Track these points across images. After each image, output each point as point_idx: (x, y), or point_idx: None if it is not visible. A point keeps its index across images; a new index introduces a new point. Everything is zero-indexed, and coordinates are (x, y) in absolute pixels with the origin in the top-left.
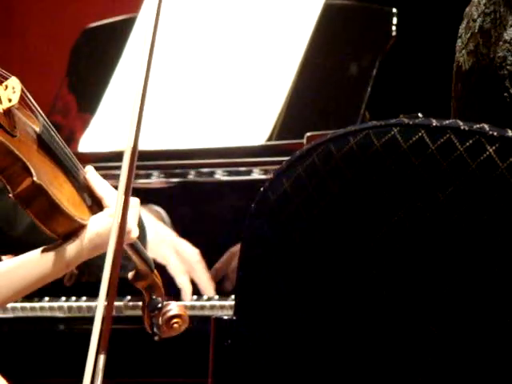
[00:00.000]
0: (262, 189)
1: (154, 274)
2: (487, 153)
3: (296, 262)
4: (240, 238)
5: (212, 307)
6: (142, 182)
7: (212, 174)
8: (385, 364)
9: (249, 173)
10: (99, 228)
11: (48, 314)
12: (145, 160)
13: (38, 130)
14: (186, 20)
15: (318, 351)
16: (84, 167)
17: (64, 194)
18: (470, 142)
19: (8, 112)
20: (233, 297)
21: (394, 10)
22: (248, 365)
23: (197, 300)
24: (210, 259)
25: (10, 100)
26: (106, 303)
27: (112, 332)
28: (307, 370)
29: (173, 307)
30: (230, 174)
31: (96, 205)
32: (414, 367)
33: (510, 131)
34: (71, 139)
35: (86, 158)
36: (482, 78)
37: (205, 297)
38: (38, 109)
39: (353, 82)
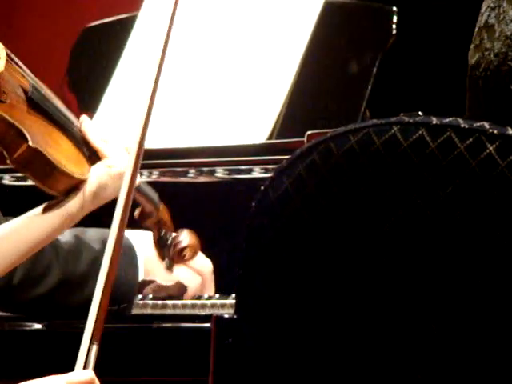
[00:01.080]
0: (262, 187)
1: (160, 210)
2: (487, 151)
3: (296, 261)
4: (240, 237)
5: (213, 306)
6: (141, 181)
7: (212, 172)
8: (385, 361)
9: (249, 171)
10: (98, 179)
11: None
12: (144, 159)
13: (27, 90)
14: (186, 19)
15: (320, 350)
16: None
17: (61, 152)
18: (470, 140)
19: None
20: (234, 295)
21: (395, 9)
22: (249, 363)
23: (197, 298)
24: (209, 258)
25: None
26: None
27: (113, 331)
28: (308, 368)
29: (183, 238)
30: (231, 172)
31: (95, 155)
32: (413, 364)
33: (510, 129)
34: None
35: None
36: (486, 72)
37: (205, 295)
38: (26, 69)
39: (353, 80)
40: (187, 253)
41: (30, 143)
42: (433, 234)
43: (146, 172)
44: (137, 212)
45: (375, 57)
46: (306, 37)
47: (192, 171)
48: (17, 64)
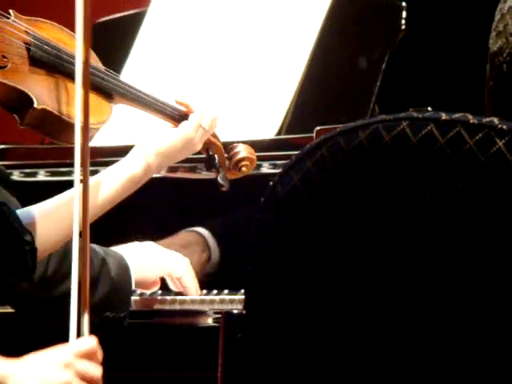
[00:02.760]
0: (271, 183)
1: None
2: (497, 146)
3: (305, 256)
4: (249, 232)
5: (222, 301)
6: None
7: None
8: (391, 357)
9: (258, 167)
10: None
11: None
12: None
13: (30, 49)
14: (195, 14)
15: (328, 346)
16: (95, 161)
17: (74, 105)
18: (480, 135)
19: None
20: (243, 291)
21: (404, 4)
22: (258, 359)
23: (206, 294)
24: (219, 254)
25: None
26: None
27: (124, 326)
28: (317, 364)
29: (240, 150)
30: None
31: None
32: (420, 363)
33: None
34: None
35: (95, 153)
36: (510, 57)
37: (214, 291)
38: (25, 25)
39: (362, 75)
40: (244, 163)
41: (36, 105)
42: (442, 229)
43: None
44: None
45: (384, 52)
46: (314, 32)
47: (201, 166)
48: (15, 22)
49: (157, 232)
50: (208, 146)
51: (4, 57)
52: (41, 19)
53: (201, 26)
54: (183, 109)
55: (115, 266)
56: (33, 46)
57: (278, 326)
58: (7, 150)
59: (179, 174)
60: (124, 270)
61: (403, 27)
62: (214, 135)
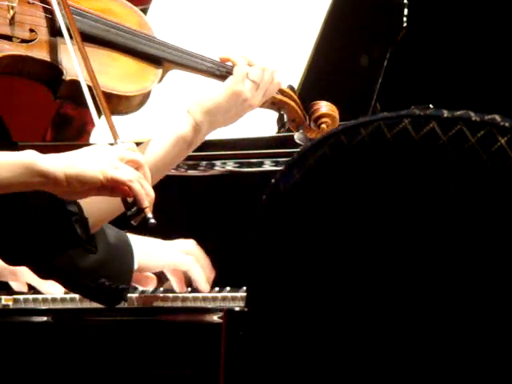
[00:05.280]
0: (273, 180)
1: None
2: (499, 144)
3: (306, 254)
4: (251, 230)
5: (224, 298)
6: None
7: (223, 165)
8: (390, 353)
9: (260, 164)
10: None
11: (59, 305)
12: None
13: (59, 22)
14: (196, 13)
15: (330, 343)
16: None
17: (114, 74)
18: (482, 132)
19: (13, 20)
20: (245, 288)
21: (405, 1)
22: (260, 356)
23: (209, 291)
24: (220, 251)
25: (11, 7)
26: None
27: (123, 323)
28: (319, 361)
29: (321, 106)
30: (242, 165)
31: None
32: (420, 362)
33: None
34: (83, 131)
35: None
36: None
37: (216, 288)
38: (52, 2)
39: (364, 73)
40: (324, 120)
41: (64, 77)
42: (444, 226)
43: None
44: None
45: (386, 49)
46: (316, 30)
47: (203, 164)
48: None
49: (156, 231)
50: (278, 104)
51: (32, 30)
52: None
53: (202, 24)
54: (231, 65)
55: (113, 235)
56: (63, 18)
57: (280, 324)
58: None
59: (180, 172)
60: (123, 241)
61: (405, 24)
62: (286, 93)
